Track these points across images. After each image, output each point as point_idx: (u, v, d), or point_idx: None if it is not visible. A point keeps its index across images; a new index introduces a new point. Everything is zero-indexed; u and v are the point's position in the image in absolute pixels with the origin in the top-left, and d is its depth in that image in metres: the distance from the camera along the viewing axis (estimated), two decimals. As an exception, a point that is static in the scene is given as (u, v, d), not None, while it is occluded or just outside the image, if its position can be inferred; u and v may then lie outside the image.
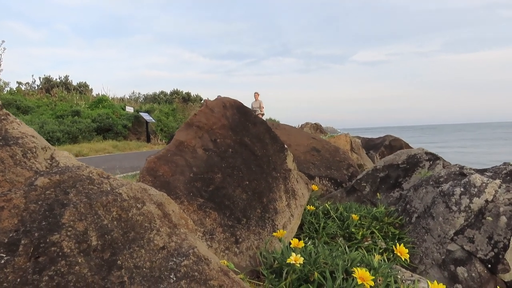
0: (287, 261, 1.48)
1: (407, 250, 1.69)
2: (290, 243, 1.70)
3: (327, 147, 4.94)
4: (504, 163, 3.02)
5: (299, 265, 1.46)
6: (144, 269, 1.18)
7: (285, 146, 3.06)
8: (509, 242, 2.40)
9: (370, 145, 10.03)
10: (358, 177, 3.90)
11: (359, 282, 1.35)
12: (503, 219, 2.48)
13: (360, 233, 2.80)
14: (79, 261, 1.05)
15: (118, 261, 1.14)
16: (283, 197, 2.63)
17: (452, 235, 2.64)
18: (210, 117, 2.76)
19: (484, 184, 2.70)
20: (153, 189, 1.57)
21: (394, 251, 2.69)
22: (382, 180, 3.69)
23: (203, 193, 2.21)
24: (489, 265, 2.39)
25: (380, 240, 2.83)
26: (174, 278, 1.21)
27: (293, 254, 1.51)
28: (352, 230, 2.92)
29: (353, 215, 2.92)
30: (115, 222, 1.26)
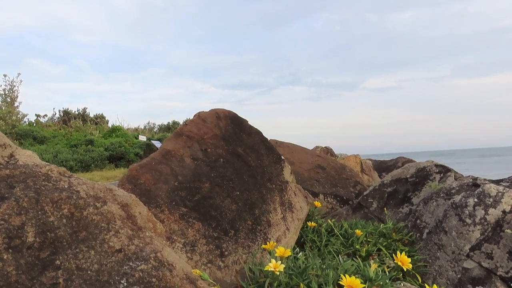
0: (265, 268, 1.30)
1: (409, 260, 1.47)
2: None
3: (333, 165, 4.73)
4: (522, 172, 2.76)
5: (278, 273, 1.27)
6: (88, 272, 1.03)
7: (282, 157, 2.90)
8: (533, 257, 2.12)
9: (383, 167, 9.70)
10: (365, 193, 3.66)
11: (346, 290, 1.15)
12: (524, 231, 2.21)
13: (365, 249, 2.55)
14: (4, 257, 0.91)
15: (57, 261, 0.99)
16: (278, 209, 2.44)
17: (468, 251, 2.37)
18: (202, 127, 2.66)
19: (500, 194, 2.45)
20: (120, 190, 1.44)
21: (403, 269, 2.42)
22: (390, 196, 3.44)
23: (187, 203, 2.06)
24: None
25: (387, 258, 2.57)
26: (125, 284, 1.04)
27: (273, 260, 1.33)
28: (357, 247, 2.67)
29: (357, 231, 2.69)
30: (64, 220, 1.13)
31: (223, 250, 1.93)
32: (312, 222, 2.91)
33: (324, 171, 4.49)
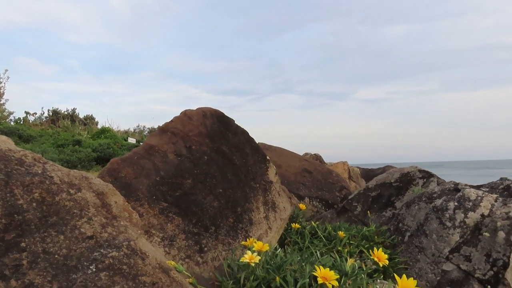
0: (241, 260, 1.28)
1: (386, 256, 1.48)
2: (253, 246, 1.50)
3: (319, 169, 4.75)
4: (501, 178, 2.81)
5: (253, 264, 1.26)
6: (56, 256, 1.00)
7: (267, 157, 2.90)
8: (509, 260, 2.15)
9: (370, 175, 9.78)
10: (350, 197, 3.68)
11: (320, 281, 1.14)
12: (501, 234, 2.24)
13: (347, 250, 2.55)
14: (-34, 235, 0.88)
15: (22, 244, 0.97)
16: (260, 208, 2.43)
17: (447, 253, 2.39)
18: (187, 124, 2.65)
19: (479, 198, 2.49)
20: (97, 179, 1.42)
21: (385, 271, 2.42)
22: (374, 200, 3.47)
23: (168, 198, 2.04)
24: (489, 286, 2.13)
25: (369, 260, 2.58)
26: (94, 269, 1.02)
27: (248, 252, 1.32)
28: (339, 248, 2.67)
29: (340, 232, 2.69)
30: (34, 204, 1.10)
31: (203, 246, 1.91)
32: (296, 224, 2.91)
33: (311, 175, 4.51)
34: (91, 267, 1.03)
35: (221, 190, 2.31)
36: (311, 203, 3.96)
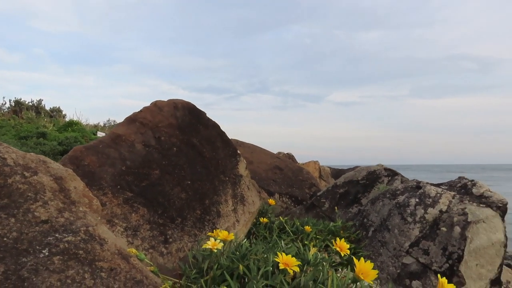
0: (203, 246, 1.28)
1: (348, 246, 1.52)
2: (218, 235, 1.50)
3: (291, 167, 4.81)
4: (459, 177, 2.97)
5: (216, 251, 1.25)
6: (4, 239, 0.95)
7: (238, 152, 2.90)
8: (463, 253, 2.27)
9: (340, 175, 9.98)
10: (318, 194, 3.75)
11: (281, 267, 1.16)
12: (457, 229, 2.37)
13: (312, 244, 2.60)
14: None
15: (-33, 224, 0.91)
16: (229, 201, 2.43)
17: (408, 247, 2.49)
18: (157, 115, 2.59)
19: (438, 195, 2.62)
20: (56, 164, 1.36)
21: (349, 264, 2.49)
22: (341, 196, 3.55)
23: (133, 188, 1.99)
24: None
25: (334, 253, 2.64)
26: (47, 253, 0.98)
27: (211, 239, 1.31)
28: (306, 242, 2.72)
29: (306, 227, 2.74)
30: (-17, 185, 1.04)
31: (168, 237, 1.88)
32: (265, 219, 2.93)
33: (282, 172, 4.55)
34: (43, 251, 0.99)
35: (189, 182, 2.28)
36: (281, 199, 4.00)
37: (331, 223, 3.09)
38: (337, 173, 10.57)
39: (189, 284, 1.36)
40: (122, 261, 1.13)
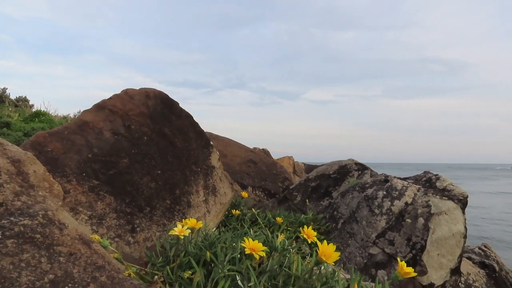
0: (170, 233, 1.26)
1: (315, 233, 1.54)
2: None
3: (264, 161, 4.83)
4: (425, 172, 3.09)
5: (182, 237, 1.24)
6: (-48, 220, 0.89)
7: (211, 143, 2.88)
8: (426, 244, 2.37)
9: (314, 171, 10.14)
10: (291, 187, 3.80)
11: (247, 251, 1.16)
12: (421, 220, 2.47)
13: (281, 234, 2.63)
14: None
15: None
16: (200, 192, 2.40)
17: (374, 238, 2.57)
18: (128, 103, 2.52)
19: (404, 188, 2.71)
20: (14, 146, 1.29)
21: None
22: (313, 190, 3.61)
23: (100, 176, 1.92)
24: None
25: (304, 245, 2.69)
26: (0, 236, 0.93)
27: (179, 225, 1.29)
28: (277, 234, 2.74)
29: (278, 218, 2.76)
30: None
31: (135, 226, 1.84)
32: (237, 211, 2.93)
33: (256, 165, 4.56)
34: (-4, 234, 0.94)
35: (159, 172, 2.24)
36: (254, 192, 4.01)
37: (302, 215, 3.13)
38: (311, 168, 10.73)
39: (155, 272, 1.33)
40: (83, 246, 1.09)
